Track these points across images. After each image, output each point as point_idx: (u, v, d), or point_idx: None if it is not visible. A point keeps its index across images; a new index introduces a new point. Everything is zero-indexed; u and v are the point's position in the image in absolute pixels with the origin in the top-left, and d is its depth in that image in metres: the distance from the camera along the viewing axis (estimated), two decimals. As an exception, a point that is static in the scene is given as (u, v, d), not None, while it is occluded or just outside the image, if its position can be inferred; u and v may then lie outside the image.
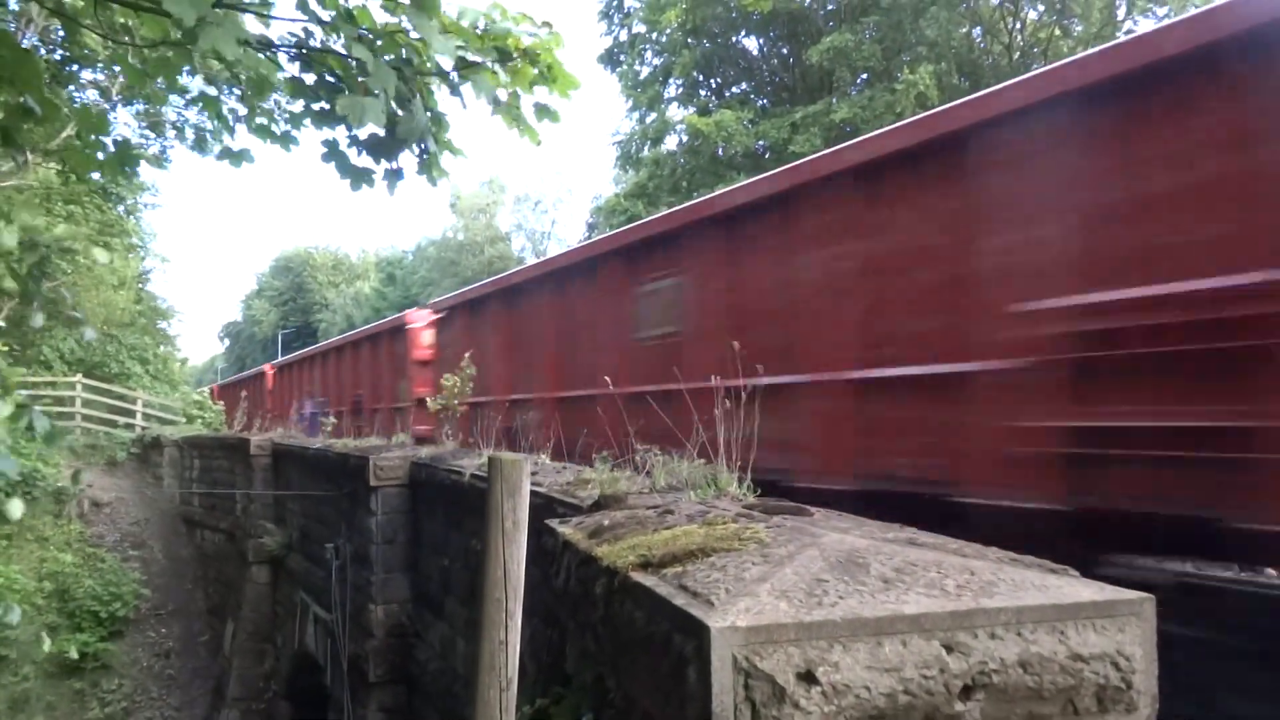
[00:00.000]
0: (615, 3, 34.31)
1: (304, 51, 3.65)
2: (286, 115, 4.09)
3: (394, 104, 3.45)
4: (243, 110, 4.13)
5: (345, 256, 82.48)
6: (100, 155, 4.02)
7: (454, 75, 3.65)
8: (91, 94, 18.30)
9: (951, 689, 1.95)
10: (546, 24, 3.64)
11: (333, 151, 3.79)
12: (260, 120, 4.10)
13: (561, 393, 9.76)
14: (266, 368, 30.29)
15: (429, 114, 3.64)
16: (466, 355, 9.96)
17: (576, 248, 12.41)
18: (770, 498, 3.86)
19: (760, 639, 1.91)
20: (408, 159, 3.81)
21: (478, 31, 3.56)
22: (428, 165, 3.78)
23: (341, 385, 19.56)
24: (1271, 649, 3.88)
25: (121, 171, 4.14)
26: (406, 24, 3.58)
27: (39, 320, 4.18)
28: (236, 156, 4.17)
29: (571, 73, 3.74)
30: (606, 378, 7.13)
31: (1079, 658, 2.01)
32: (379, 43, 3.47)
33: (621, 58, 34.24)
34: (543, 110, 3.83)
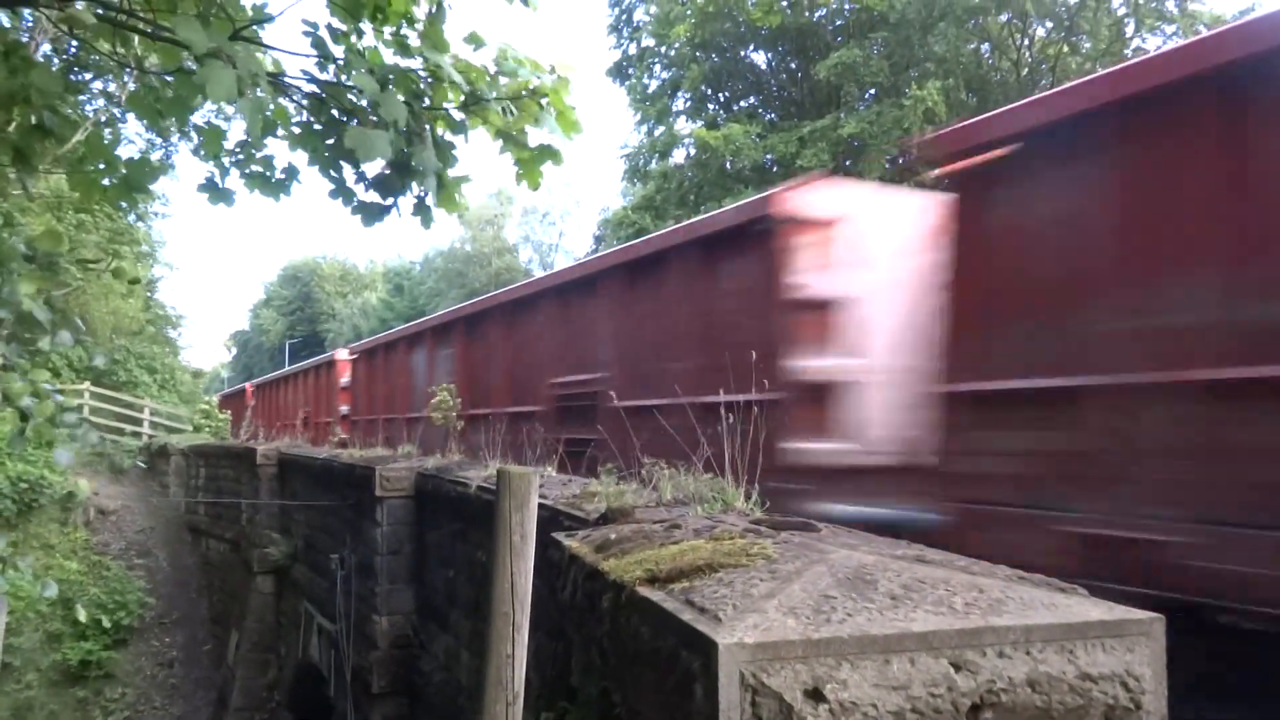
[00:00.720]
0: (624, 17, 34.50)
1: (314, 93, 3.66)
2: (286, 166, 4.05)
3: (403, 139, 3.47)
4: (240, 155, 4.07)
5: (353, 267, 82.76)
6: (106, 181, 3.99)
7: (461, 116, 3.68)
8: (100, 102, 18.41)
9: (960, 708, 1.94)
10: (553, 68, 3.66)
11: (340, 189, 3.79)
12: (255, 168, 4.03)
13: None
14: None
15: (436, 146, 3.65)
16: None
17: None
18: (778, 513, 3.85)
19: (767, 656, 1.90)
20: (409, 199, 3.81)
21: (488, 73, 3.59)
22: (438, 200, 3.76)
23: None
24: None
25: (129, 195, 4.10)
26: (416, 66, 3.62)
27: (59, 335, 4.18)
28: (218, 194, 4.10)
29: (576, 119, 3.76)
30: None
31: (1088, 677, 2.00)
32: (391, 78, 3.49)
33: (630, 71, 34.39)
34: (545, 151, 3.84)
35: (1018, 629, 2.00)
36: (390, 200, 3.78)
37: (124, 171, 3.91)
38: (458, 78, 3.47)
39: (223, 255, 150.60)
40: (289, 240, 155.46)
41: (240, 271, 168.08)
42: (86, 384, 23.98)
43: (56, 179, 20.50)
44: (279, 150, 4.09)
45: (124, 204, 4.23)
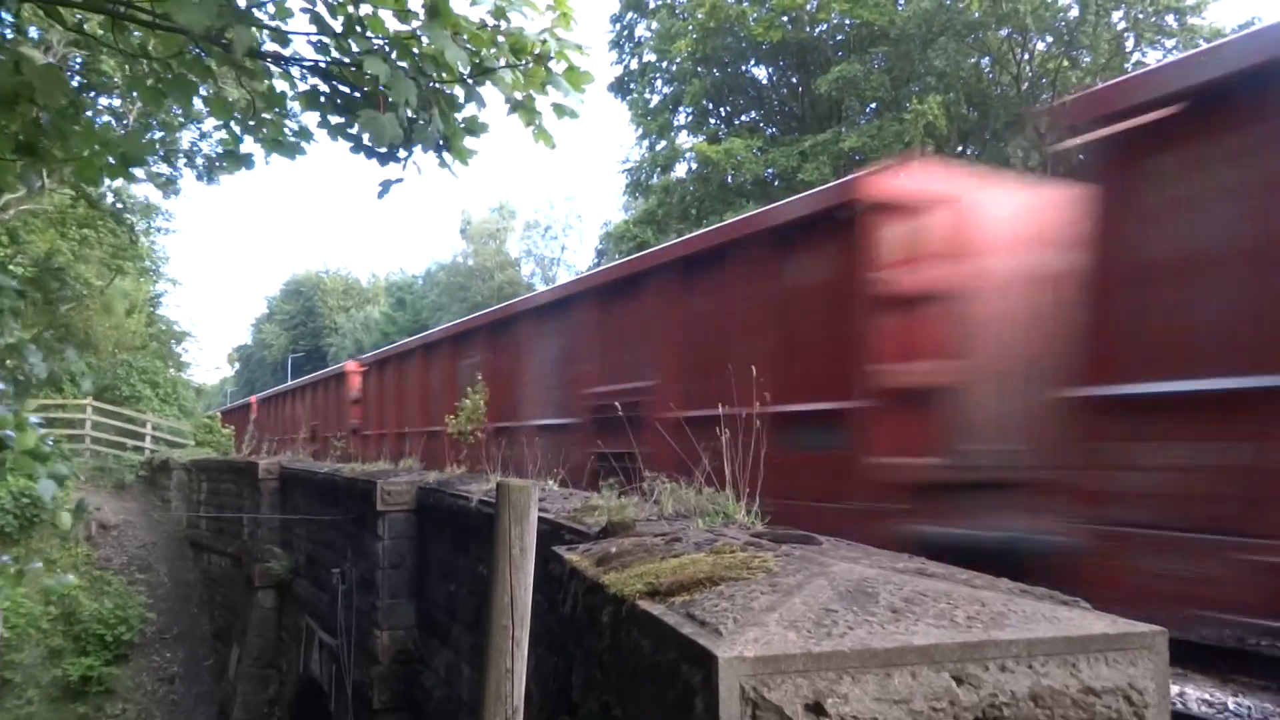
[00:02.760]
0: (626, 32, 34.68)
1: (322, 65, 3.68)
2: (295, 126, 4.07)
3: (411, 112, 3.48)
4: (252, 121, 4.10)
5: (355, 281, 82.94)
6: (110, 160, 4.00)
7: (470, 80, 3.68)
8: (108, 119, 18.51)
9: (962, 722, 1.93)
10: (558, 37, 3.65)
11: (358, 145, 3.80)
12: (266, 131, 4.06)
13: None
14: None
15: (443, 114, 3.66)
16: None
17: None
18: (779, 525, 3.84)
19: (768, 669, 1.89)
20: (429, 158, 3.83)
21: (490, 27, 3.57)
22: (449, 159, 3.78)
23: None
24: None
25: (127, 173, 4.10)
26: (419, 32, 3.61)
27: (41, 371, 4.18)
28: (238, 160, 4.12)
29: (586, 71, 3.74)
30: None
31: (1091, 691, 1.99)
32: (394, 53, 3.50)
33: (632, 86, 34.55)
34: (560, 109, 3.85)
35: (1020, 642, 1.99)
36: (405, 158, 3.79)
37: (122, 149, 3.90)
38: (462, 56, 3.46)
39: (226, 270, 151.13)
40: (291, 254, 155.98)
41: (243, 286, 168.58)
42: (89, 399, 24.00)
43: (60, 198, 20.61)
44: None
45: (126, 177, 4.22)
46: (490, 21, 3.56)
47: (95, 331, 26.33)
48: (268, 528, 14.28)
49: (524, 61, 3.60)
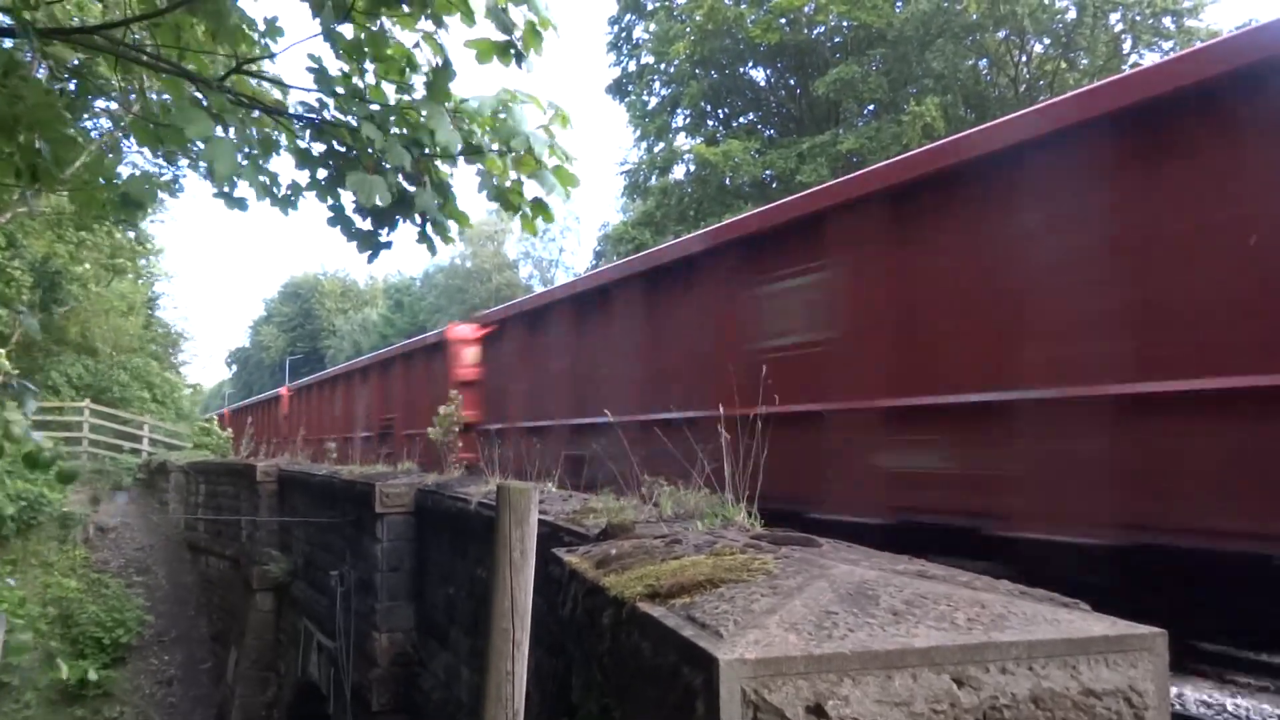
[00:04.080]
0: (624, 34, 34.71)
1: (316, 122, 3.72)
2: (290, 182, 4.12)
3: (404, 181, 3.54)
4: (245, 166, 4.14)
5: (353, 283, 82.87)
6: (107, 193, 4.04)
7: (460, 159, 3.74)
8: (104, 122, 18.43)
9: (963, 724, 1.92)
10: (554, 106, 3.72)
11: (339, 217, 3.86)
12: (262, 179, 4.10)
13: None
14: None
15: (434, 187, 3.73)
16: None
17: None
18: (779, 528, 3.84)
19: (769, 672, 1.89)
20: (409, 228, 3.91)
21: (489, 116, 3.64)
22: (432, 233, 3.86)
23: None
24: None
25: (127, 211, 4.13)
26: (417, 102, 3.68)
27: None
28: (233, 201, 4.16)
29: (573, 174, 3.86)
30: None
31: (1091, 693, 1.99)
32: (391, 119, 3.54)
33: (630, 88, 34.58)
34: (539, 207, 3.94)
35: (1020, 645, 1.99)
36: (388, 236, 3.86)
37: (124, 190, 3.93)
38: (456, 138, 3.52)
39: (224, 273, 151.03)
40: (290, 257, 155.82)
41: (242, 288, 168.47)
42: (86, 402, 23.96)
43: (58, 199, 20.55)
44: (284, 167, 4.16)
45: (126, 216, 4.30)
46: (488, 110, 3.62)
47: (92, 333, 26.28)
48: (266, 530, 14.25)
49: (516, 151, 3.66)
